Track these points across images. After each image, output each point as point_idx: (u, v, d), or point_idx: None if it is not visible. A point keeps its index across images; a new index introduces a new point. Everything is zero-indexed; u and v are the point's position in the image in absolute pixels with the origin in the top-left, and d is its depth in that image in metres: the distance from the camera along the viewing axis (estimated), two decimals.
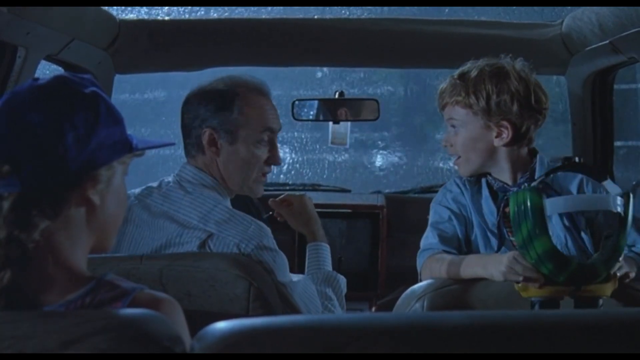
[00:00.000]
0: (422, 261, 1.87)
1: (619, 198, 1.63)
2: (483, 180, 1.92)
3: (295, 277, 1.89)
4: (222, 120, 1.89)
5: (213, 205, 1.82)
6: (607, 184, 1.69)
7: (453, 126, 1.90)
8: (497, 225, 1.85)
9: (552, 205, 1.62)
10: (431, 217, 1.96)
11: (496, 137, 1.86)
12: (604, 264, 1.61)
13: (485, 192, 1.91)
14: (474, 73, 1.86)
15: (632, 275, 1.69)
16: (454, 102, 1.88)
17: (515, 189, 1.82)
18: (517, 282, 1.63)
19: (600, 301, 1.61)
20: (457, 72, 1.91)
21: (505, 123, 1.84)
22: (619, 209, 1.63)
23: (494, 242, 1.88)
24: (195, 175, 1.90)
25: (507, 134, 1.85)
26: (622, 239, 1.63)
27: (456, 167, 1.95)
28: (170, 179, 1.92)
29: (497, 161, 1.89)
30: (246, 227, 1.78)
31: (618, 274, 1.63)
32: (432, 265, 1.83)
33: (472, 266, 1.72)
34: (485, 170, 1.91)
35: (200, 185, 1.88)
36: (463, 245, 1.90)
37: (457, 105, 1.87)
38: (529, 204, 1.59)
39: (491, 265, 1.68)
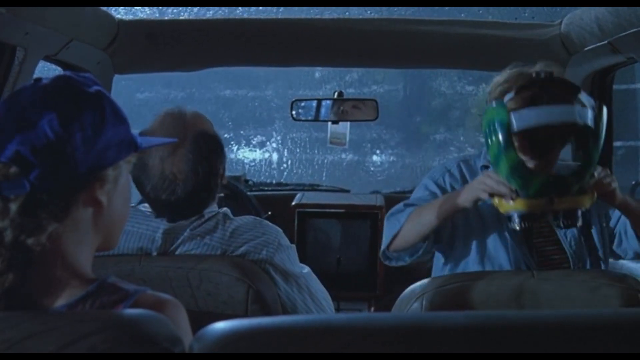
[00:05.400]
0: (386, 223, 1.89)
1: (590, 111, 1.67)
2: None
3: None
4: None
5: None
6: (582, 95, 1.71)
7: None
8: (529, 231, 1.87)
9: (518, 119, 1.67)
10: (416, 192, 1.97)
11: None
12: (574, 175, 1.67)
13: None
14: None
15: (613, 185, 1.76)
16: None
17: None
18: (493, 197, 1.71)
19: (579, 213, 1.69)
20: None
21: None
22: (589, 122, 1.67)
23: (491, 230, 1.88)
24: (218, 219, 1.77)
25: None
26: (594, 152, 1.67)
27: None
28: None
29: None
30: (259, 236, 1.75)
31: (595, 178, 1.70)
32: (396, 218, 1.86)
33: (444, 202, 1.77)
34: None
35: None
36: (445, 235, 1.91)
37: None
38: (495, 119, 1.66)
39: (465, 192, 1.74)
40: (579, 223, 1.70)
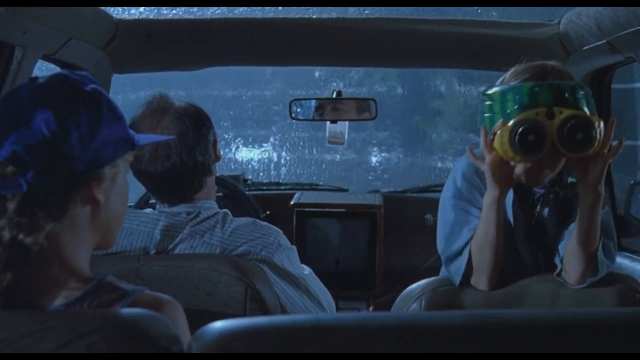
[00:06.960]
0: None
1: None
2: None
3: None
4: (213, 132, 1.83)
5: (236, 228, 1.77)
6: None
7: None
8: (535, 227, 1.83)
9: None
10: (444, 215, 1.87)
11: None
12: (570, 87, 1.65)
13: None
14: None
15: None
16: None
17: (542, 190, 1.83)
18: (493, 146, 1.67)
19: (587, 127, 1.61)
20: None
21: None
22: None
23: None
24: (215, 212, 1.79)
25: None
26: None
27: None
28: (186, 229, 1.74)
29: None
30: (258, 236, 1.76)
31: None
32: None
33: (483, 213, 1.72)
34: None
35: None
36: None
37: None
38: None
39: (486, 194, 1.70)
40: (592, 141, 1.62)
